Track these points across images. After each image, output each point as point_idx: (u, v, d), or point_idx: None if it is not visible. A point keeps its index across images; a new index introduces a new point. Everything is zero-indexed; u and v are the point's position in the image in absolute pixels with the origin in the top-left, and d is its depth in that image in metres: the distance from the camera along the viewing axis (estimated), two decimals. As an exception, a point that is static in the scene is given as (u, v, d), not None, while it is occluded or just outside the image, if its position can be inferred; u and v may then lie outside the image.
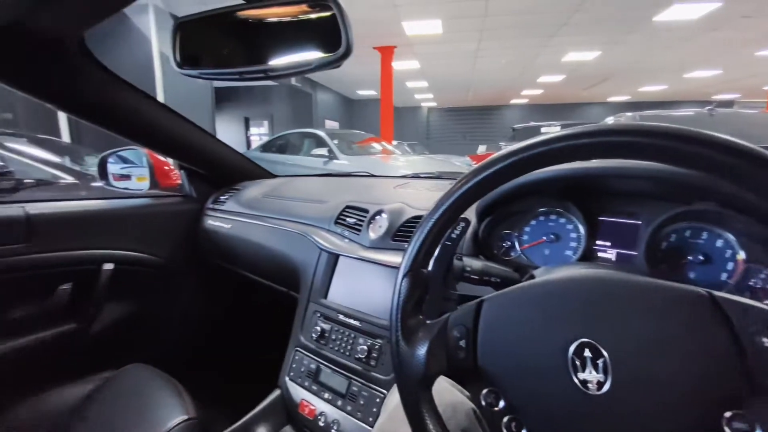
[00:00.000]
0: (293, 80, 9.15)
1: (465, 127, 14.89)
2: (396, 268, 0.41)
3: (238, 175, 1.34)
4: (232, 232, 1.13)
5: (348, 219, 0.87)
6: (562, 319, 0.32)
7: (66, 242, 0.96)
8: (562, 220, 0.60)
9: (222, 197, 1.25)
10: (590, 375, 0.30)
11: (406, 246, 0.41)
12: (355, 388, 0.68)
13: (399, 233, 0.75)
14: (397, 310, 0.39)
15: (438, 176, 1.22)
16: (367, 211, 0.84)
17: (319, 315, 0.80)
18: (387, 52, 7.04)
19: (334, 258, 0.82)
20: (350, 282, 0.78)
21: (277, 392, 0.78)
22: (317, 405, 0.71)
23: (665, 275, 0.43)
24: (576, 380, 0.30)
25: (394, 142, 7.37)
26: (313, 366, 0.76)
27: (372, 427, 0.63)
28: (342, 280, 0.80)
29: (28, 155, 2.94)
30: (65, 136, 4.47)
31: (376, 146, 6.10)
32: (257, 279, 1.11)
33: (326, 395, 0.71)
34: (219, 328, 1.43)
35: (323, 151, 5.21)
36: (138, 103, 0.89)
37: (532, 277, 0.42)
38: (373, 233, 0.79)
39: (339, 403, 0.69)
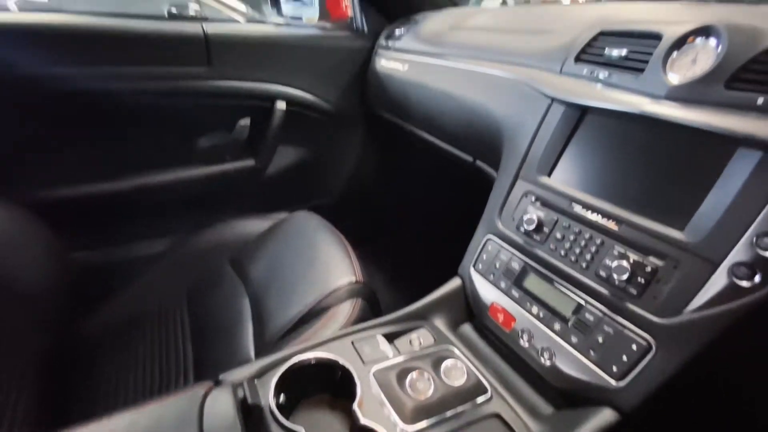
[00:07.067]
0: None
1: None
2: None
3: (420, 1, 1.03)
4: (409, 75, 0.89)
5: (608, 52, 0.51)
6: None
7: (242, 70, 0.93)
8: None
9: (397, 31, 1.00)
10: None
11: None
12: (589, 316, 0.45)
13: (750, 73, 0.37)
14: None
15: None
16: (658, 36, 0.46)
17: (534, 199, 0.54)
18: None
19: (576, 114, 0.51)
20: (604, 155, 0.48)
21: (457, 281, 0.61)
22: (518, 317, 0.51)
23: None
24: None
25: (590, -6, 5.55)
26: (515, 265, 0.54)
27: (614, 380, 0.41)
28: (585, 150, 0.50)
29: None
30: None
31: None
32: (434, 141, 0.89)
33: (534, 309, 0.50)
34: (385, 190, 1.34)
35: (495, 2, 4.26)
36: None
37: None
38: (678, 74, 0.43)
39: (557, 327, 0.47)
